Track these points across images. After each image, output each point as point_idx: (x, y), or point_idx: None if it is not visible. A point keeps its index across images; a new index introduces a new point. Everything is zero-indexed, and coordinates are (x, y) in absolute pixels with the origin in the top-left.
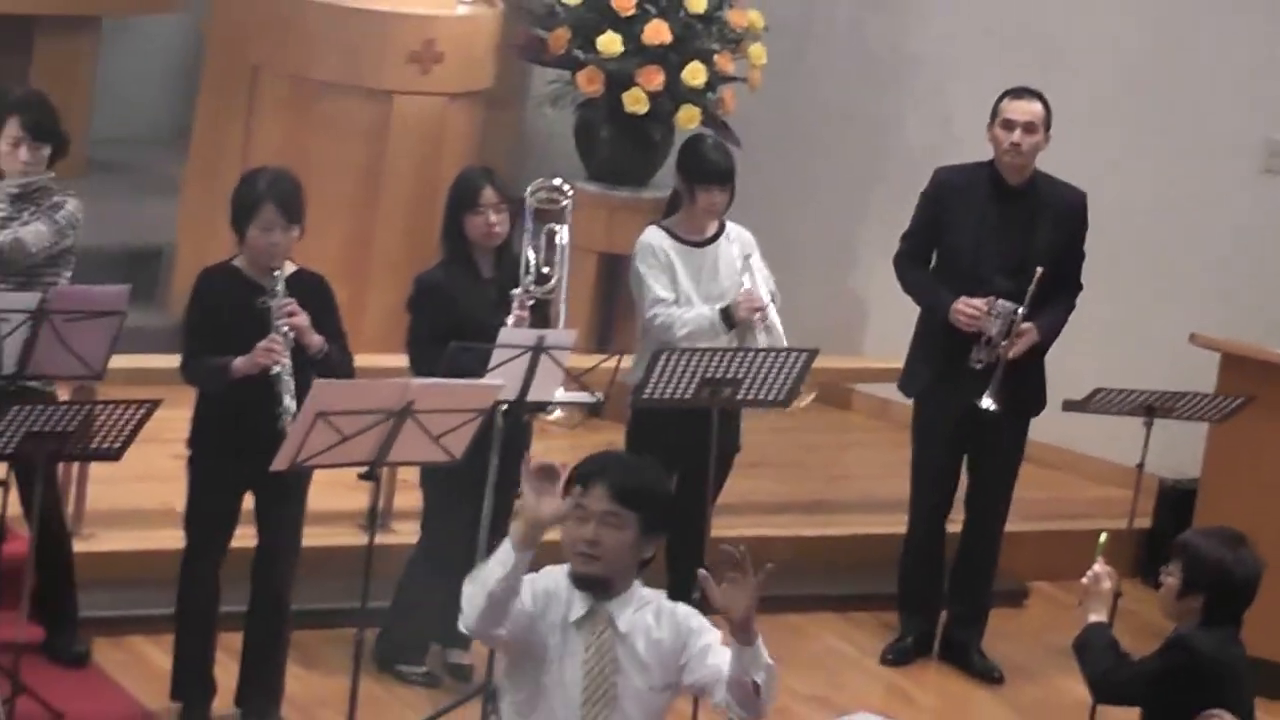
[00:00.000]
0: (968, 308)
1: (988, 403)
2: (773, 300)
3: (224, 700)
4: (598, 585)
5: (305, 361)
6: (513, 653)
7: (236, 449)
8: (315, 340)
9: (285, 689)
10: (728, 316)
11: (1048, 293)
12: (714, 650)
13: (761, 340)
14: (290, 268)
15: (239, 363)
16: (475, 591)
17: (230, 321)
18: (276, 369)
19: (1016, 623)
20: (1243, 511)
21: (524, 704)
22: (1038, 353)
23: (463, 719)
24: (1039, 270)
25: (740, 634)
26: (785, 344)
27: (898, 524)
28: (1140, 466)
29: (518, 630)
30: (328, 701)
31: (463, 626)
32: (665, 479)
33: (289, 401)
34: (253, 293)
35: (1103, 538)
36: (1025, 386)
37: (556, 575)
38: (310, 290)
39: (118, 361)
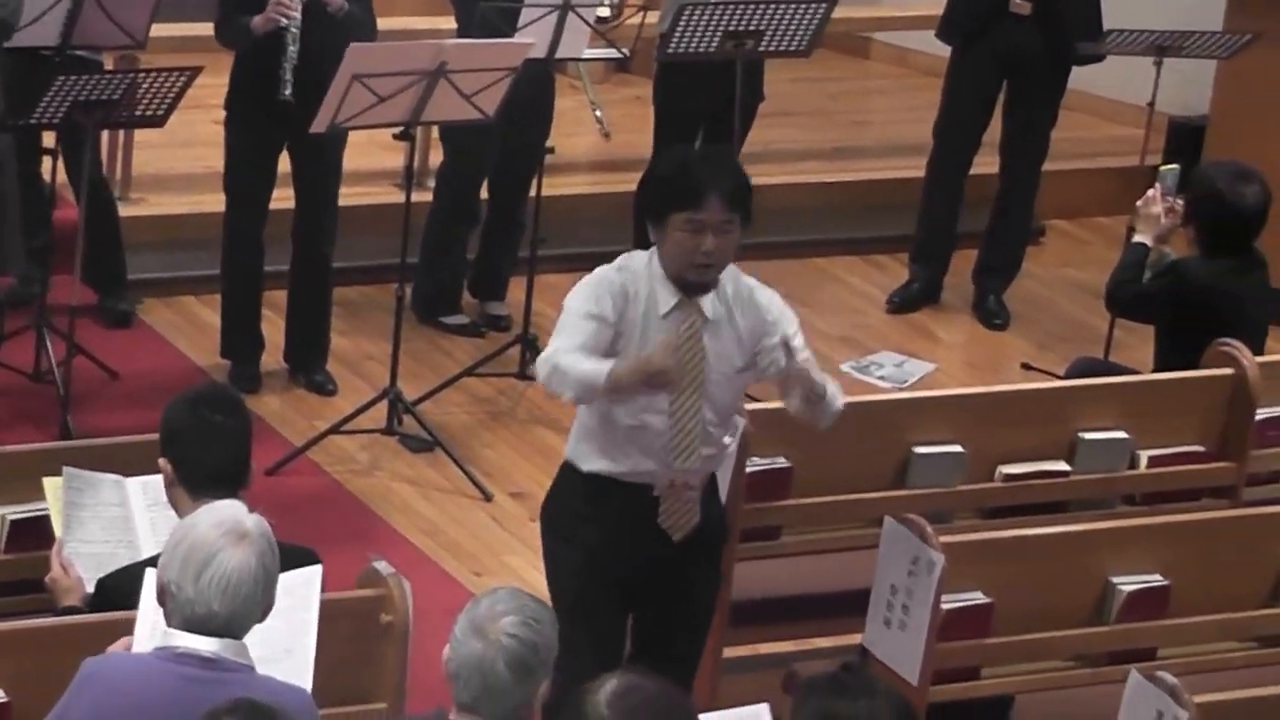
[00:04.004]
0: None
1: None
2: None
3: (273, 356)
4: (708, 289)
5: (332, 22)
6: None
7: (268, 110)
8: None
9: (331, 344)
10: None
11: None
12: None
13: None
14: None
15: (256, 20)
16: (556, 389)
17: None
18: (286, 23)
19: (1035, 259)
20: (1250, 146)
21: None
22: None
23: (503, 367)
24: None
25: (809, 399)
26: None
27: (917, 168)
28: (1151, 105)
29: (604, 349)
30: (373, 355)
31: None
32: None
33: (292, 51)
34: None
35: (1164, 168)
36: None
37: (634, 271)
38: None
39: (159, 30)
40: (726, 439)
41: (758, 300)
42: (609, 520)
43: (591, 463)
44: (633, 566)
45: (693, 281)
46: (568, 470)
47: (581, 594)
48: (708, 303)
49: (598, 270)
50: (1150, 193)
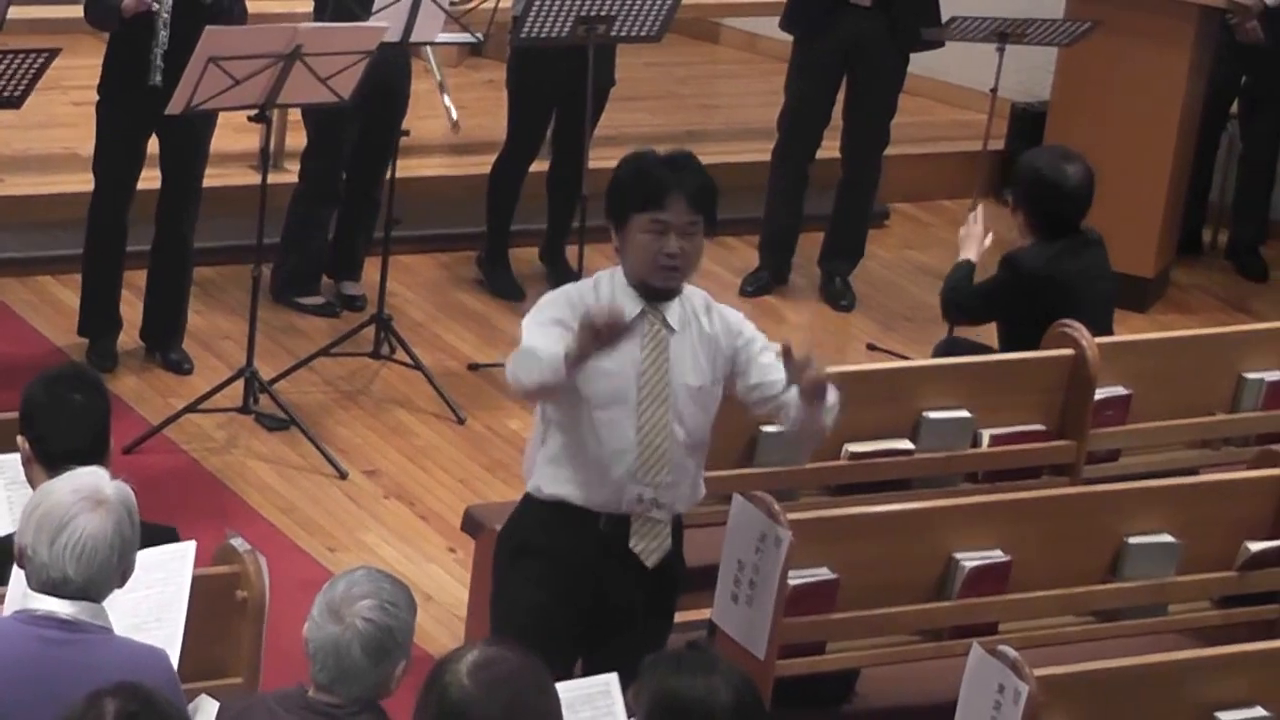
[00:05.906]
0: None
1: None
2: None
3: (129, 335)
4: (674, 294)
5: (202, 9)
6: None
7: (140, 93)
8: None
9: (187, 324)
10: None
11: None
12: (769, 363)
13: None
14: None
15: (126, 2)
16: (522, 376)
17: None
18: (156, 6)
19: (880, 242)
20: (1090, 133)
21: (567, 418)
22: None
23: (358, 346)
24: None
25: (812, 400)
26: None
27: (765, 151)
28: (994, 91)
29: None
30: (229, 334)
31: (516, 394)
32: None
33: (163, 37)
34: None
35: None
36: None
37: (593, 289)
38: None
39: (17, 12)
40: (697, 477)
41: (725, 313)
42: (569, 550)
43: (558, 487)
44: (590, 602)
45: (657, 286)
46: (528, 501)
47: (531, 630)
48: (674, 314)
49: (558, 289)
50: (970, 216)
